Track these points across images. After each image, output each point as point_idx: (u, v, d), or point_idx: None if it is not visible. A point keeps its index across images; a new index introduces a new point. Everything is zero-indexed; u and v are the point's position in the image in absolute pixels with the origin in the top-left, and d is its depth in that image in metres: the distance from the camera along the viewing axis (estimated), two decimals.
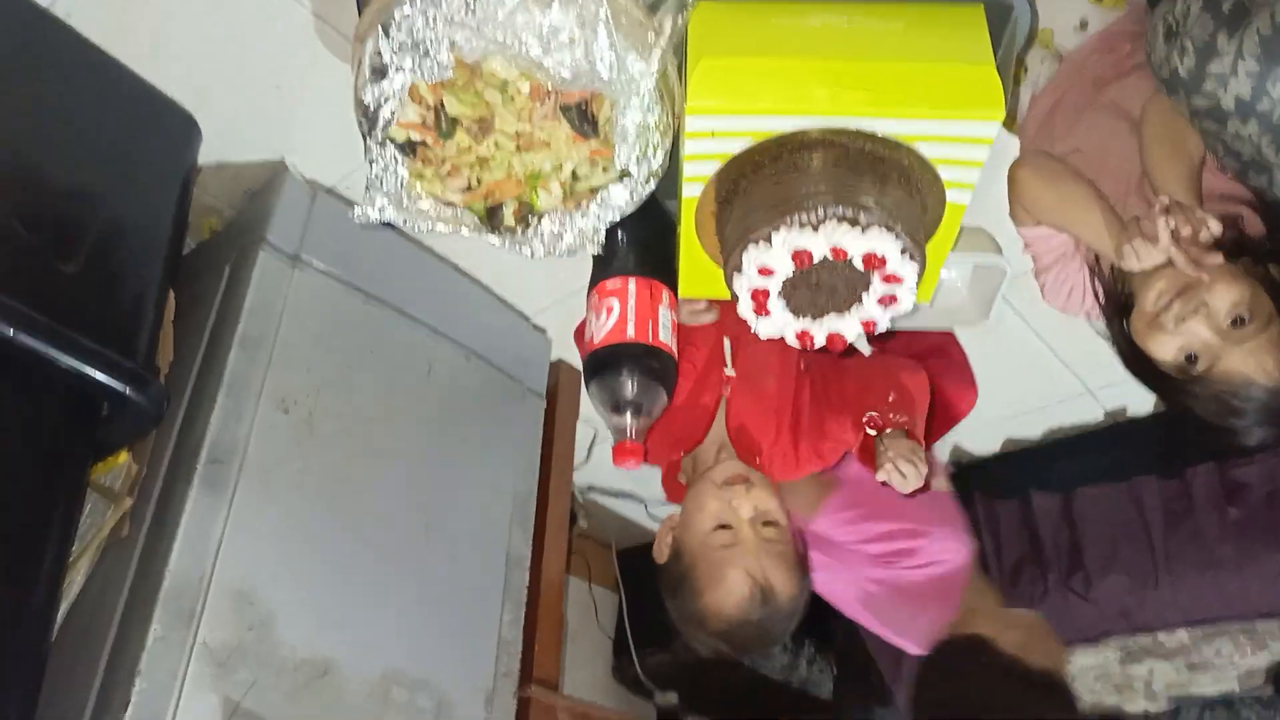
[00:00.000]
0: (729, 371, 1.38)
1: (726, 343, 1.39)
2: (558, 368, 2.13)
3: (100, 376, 1.30)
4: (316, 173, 1.76)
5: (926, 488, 1.24)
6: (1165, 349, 1.14)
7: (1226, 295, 1.10)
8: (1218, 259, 1.08)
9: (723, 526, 1.25)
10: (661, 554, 1.32)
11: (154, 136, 1.54)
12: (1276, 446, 1.17)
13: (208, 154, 1.67)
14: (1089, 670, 2.31)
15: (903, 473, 1.19)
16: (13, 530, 1.20)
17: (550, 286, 2.02)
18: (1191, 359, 1.13)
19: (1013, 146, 1.53)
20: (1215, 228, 1.07)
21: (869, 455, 1.26)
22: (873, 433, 1.25)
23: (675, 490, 1.42)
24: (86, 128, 1.46)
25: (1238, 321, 1.10)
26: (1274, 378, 1.09)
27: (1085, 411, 2.35)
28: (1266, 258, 1.12)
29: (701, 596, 1.22)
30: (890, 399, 1.27)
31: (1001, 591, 2.13)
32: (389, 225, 1.25)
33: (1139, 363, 1.19)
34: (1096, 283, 1.27)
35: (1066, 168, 1.26)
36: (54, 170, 1.38)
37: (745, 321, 1.22)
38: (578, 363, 2.15)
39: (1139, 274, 1.15)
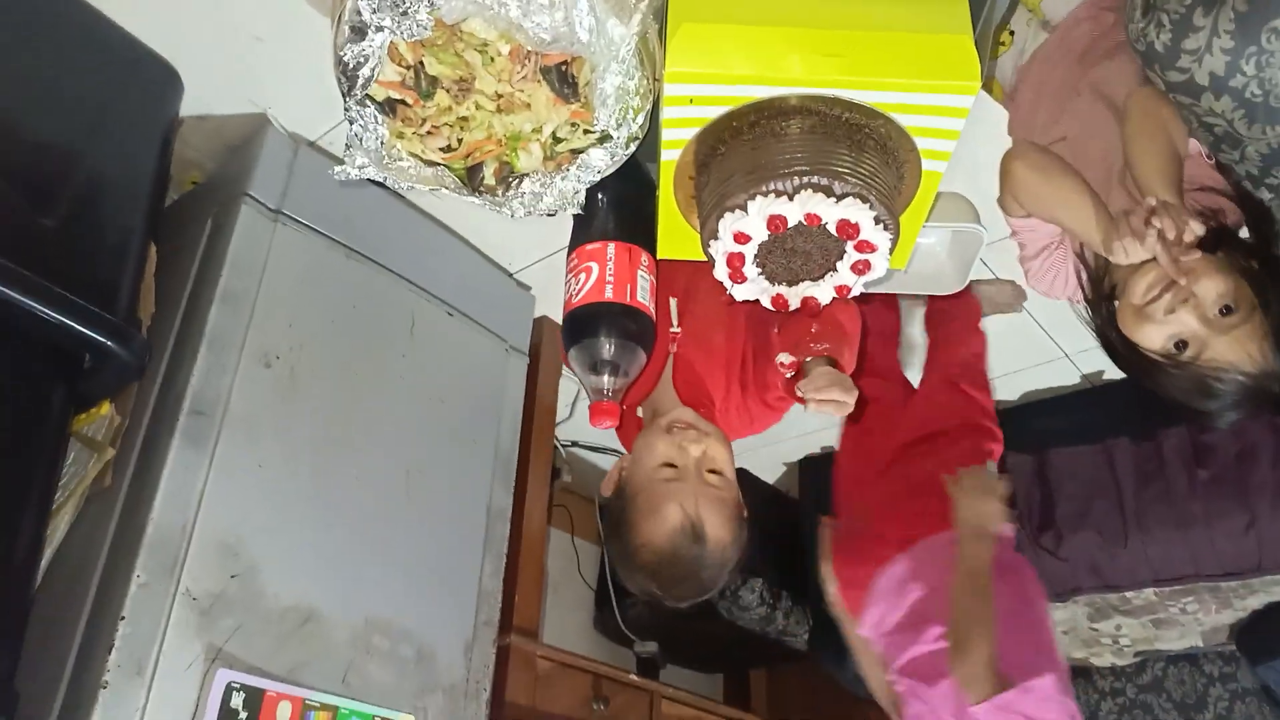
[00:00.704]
0: (674, 329, 1.40)
1: (673, 302, 1.41)
2: (541, 324, 2.15)
3: (81, 329, 1.31)
4: (299, 127, 1.76)
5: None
6: (1154, 338, 1.19)
7: (1213, 286, 1.14)
8: (1196, 254, 1.12)
9: (668, 465, 1.27)
10: (608, 488, 1.34)
11: (135, 87, 1.53)
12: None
13: (189, 106, 1.66)
14: (1058, 626, 2.37)
15: (826, 402, 1.19)
16: (6, 478, 1.21)
17: (534, 243, 2.02)
18: (1180, 346, 1.17)
19: (997, 113, 1.54)
20: (1198, 229, 1.11)
21: (791, 392, 1.26)
22: (790, 372, 1.25)
23: (629, 441, 1.44)
24: (65, 78, 1.45)
25: (1224, 311, 1.14)
26: (1257, 363, 1.14)
27: (1062, 375, 2.38)
28: (1245, 250, 1.16)
29: (636, 527, 1.24)
30: (813, 330, 1.26)
31: None
32: (372, 181, 1.26)
33: (1121, 348, 1.23)
34: (1083, 273, 1.29)
35: (1059, 161, 1.28)
36: (32, 122, 1.38)
37: (693, 281, 1.22)
38: (561, 318, 2.17)
39: (1126, 266, 1.18)
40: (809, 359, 1.27)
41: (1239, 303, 1.15)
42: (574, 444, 2.71)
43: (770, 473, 2.97)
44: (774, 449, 2.82)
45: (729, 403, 1.39)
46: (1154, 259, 1.13)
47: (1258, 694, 2.39)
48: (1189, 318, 1.16)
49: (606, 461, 2.83)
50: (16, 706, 1.18)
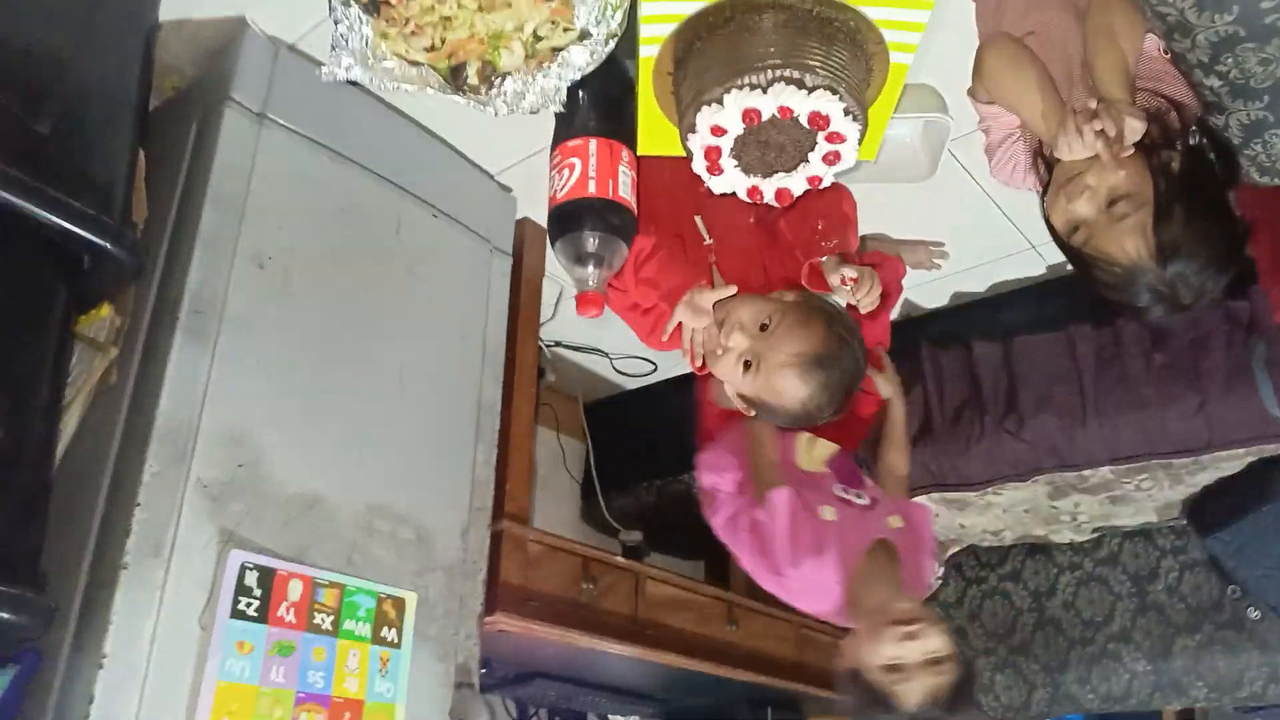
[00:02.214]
0: (708, 241, 1.51)
1: (698, 220, 1.52)
2: (523, 225, 2.19)
3: (80, 231, 1.35)
4: (278, 29, 1.76)
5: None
6: (1057, 219, 1.29)
7: (1109, 178, 1.21)
8: (1131, 151, 1.19)
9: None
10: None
11: None
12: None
13: (166, 11, 1.67)
14: (1019, 504, 2.51)
15: (858, 296, 1.43)
16: (12, 373, 1.27)
17: (515, 145, 2.05)
18: (1075, 231, 1.26)
19: (964, 5, 1.57)
20: (1138, 127, 1.17)
21: (820, 282, 1.47)
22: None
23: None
24: None
25: (1114, 203, 1.21)
26: (1129, 258, 1.21)
27: (1029, 265, 2.46)
28: (1169, 149, 1.23)
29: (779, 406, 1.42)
30: (819, 227, 1.41)
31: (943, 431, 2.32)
32: (354, 83, 1.29)
33: (1053, 233, 1.32)
34: (1039, 161, 1.36)
35: (1028, 54, 1.31)
36: (20, 31, 1.39)
37: (706, 194, 1.32)
38: (544, 220, 2.21)
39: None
40: (824, 259, 1.46)
41: (1134, 198, 1.21)
42: (557, 344, 2.78)
43: None
44: None
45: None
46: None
47: (1205, 564, 2.55)
48: (1083, 205, 1.23)
49: (588, 360, 2.91)
50: (46, 584, 1.26)
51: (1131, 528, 2.68)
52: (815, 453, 1.67)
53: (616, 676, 2.47)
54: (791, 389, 1.37)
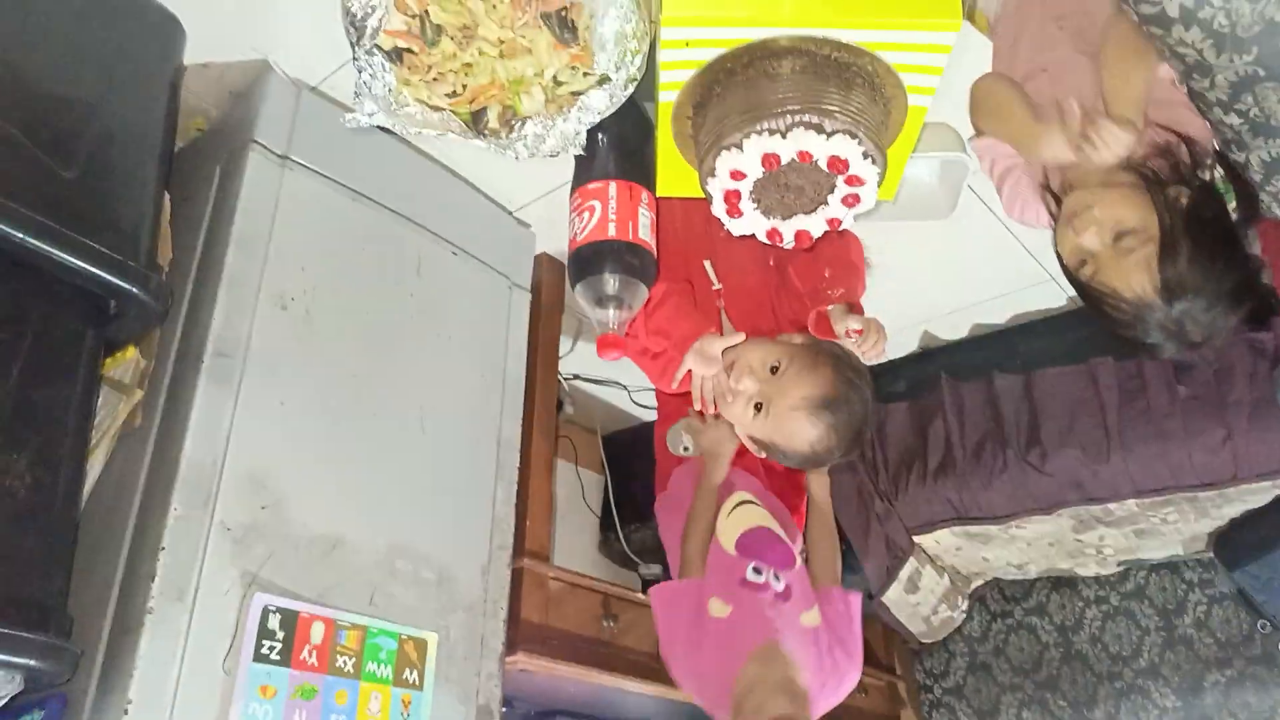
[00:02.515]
0: (716, 286, 1.53)
1: (708, 264, 1.54)
2: (542, 261, 2.20)
3: (107, 276, 1.37)
4: (300, 72, 1.79)
5: None
6: (1066, 250, 1.28)
7: (1114, 212, 1.20)
8: (1126, 177, 1.19)
9: (755, 406, 1.43)
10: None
11: (140, 38, 1.57)
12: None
13: (191, 54, 1.69)
14: (1044, 537, 2.48)
15: (864, 349, 1.44)
16: (40, 417, 1.29)
17: (533, 182, 2.07)
18: (1083, 264, 1.25)
19: (983, 44, 1.58)
20: (1121, 137, 1.17)
21: (825, 330, 1.49)
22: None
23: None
24: (73, 32, 1.48)
25: (1120, 237, 1.20)
26: (1134, 294, 1.20)
27: (1049, 297, 2.45)
28: (1179, 185, 1.21)
29: (790, 448, 1.43)
30: (826, 275, 1.46)
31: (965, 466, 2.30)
32: (377, 126, 1.31)
33: (1063, 267, 1.31)
34: (1047, 195, 1.35)
35: (1007, 78, 1.33)
36: (45, 77, 1.42)
37: (716, 238, 1.32)
38: (562, 256, 2.23)
39: (1070, 186, 1.26)
40: (831, 308, 1.48)
41: (1140, 233, 1.19)
42: (576, 377, 2.79)
43: None
44: None
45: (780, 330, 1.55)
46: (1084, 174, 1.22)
47: (1234, 597, 2.52)
48: (1090, 237, 1.22)
49: (607, 393, 2.91)
50: (72, 628, 1.26)
51: (1157, 561, 2.64)
52: (730, 525, 1.56)
53: (637, 714, 2.45)
54: (802, 431, 1.38)
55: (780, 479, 1.67)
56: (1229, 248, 1.21)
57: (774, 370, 1.41)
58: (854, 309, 1.49)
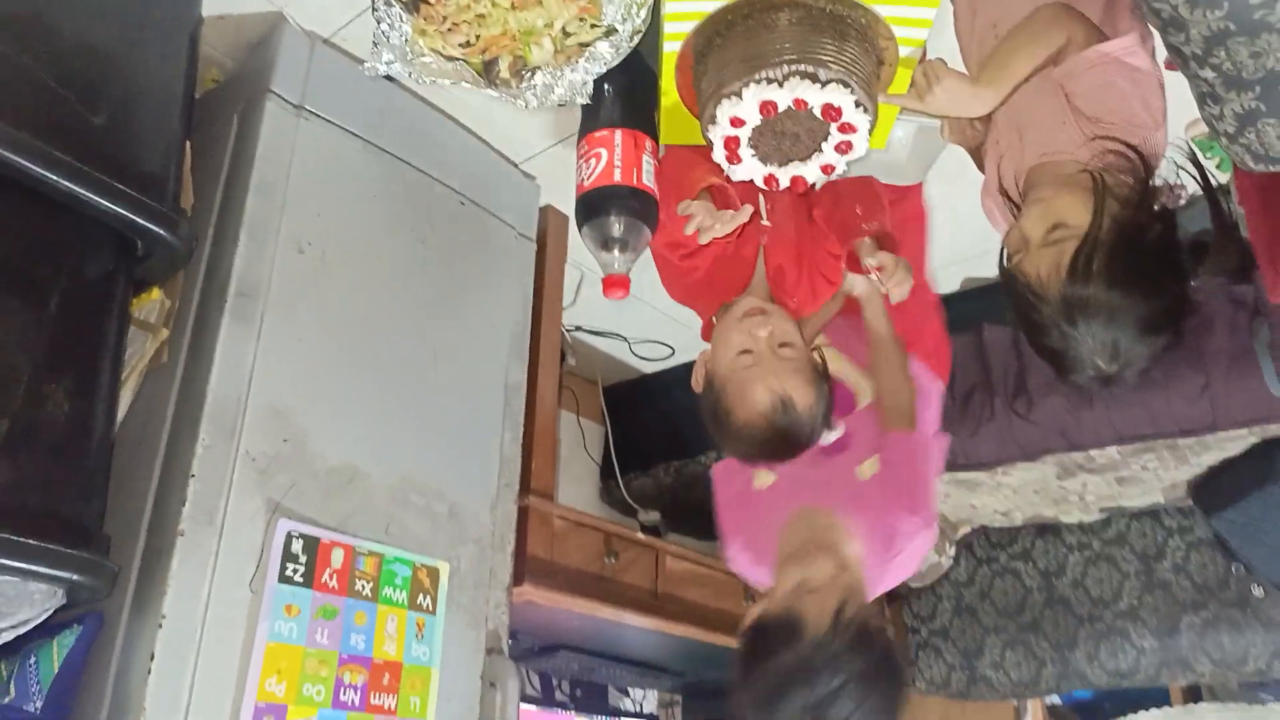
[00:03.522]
0: (765, 222, 1.53)
1: (762, 199, 1.53)
2: (546, 212, 2.27)
3: (137, 219, 1.44)
4: (313, 24, 1.84)
5: None
6: (1007, 239, 1.25)
7: (1056, 207, 1.16)
8: (1085, 182, 1.16)
9: (744, 352, 1.39)
10: (698, 383, 1.47)
11: None
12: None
13: (208, 7, 1.75)
14: (1029, 484, 2.58)
15: (888, 285, 1.43)
16: (76, 350, 1.36)
17: (538, 136, 2.12)
18: (1017, 252, 1.21)
19: None
20: (951, 87, 1.20)
21: (857, 265, 1.48)
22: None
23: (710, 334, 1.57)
24: None
25: (1053, 228, 1.15)
26: (1036, 283, 1.15)
27: None
28: (1121, 197, 1.15)
29: (733, 413, 1.37)
30: (858, 211, 1.47)
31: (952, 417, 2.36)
32: (388, 78, 1.37)
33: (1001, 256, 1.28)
34: (1002, 198, 1.33)
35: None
36: (74, 29, 1.47)
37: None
38: (565, 207, 2.29)
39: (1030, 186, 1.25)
40: (860, 241, 1.48)
41: (1073, 230, 1.13)
42: (577, 328, 2.86)
43: None
44: None
45: (800, 284, 1.53)
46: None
47: (1211, 543, 2.61)
48: (1031, 223, 1.18)
49: (608, 344, 2.99)
50: (109, 548, 1.35)
51: (1139, 508, 2.74)
52: None
53: (637, 649, 2.56)
54: (756, 407, 1.36)
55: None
56: (1157, 275, 1.13)
57: (783, 345, 1.41)
58: (883, 244, 1.49)
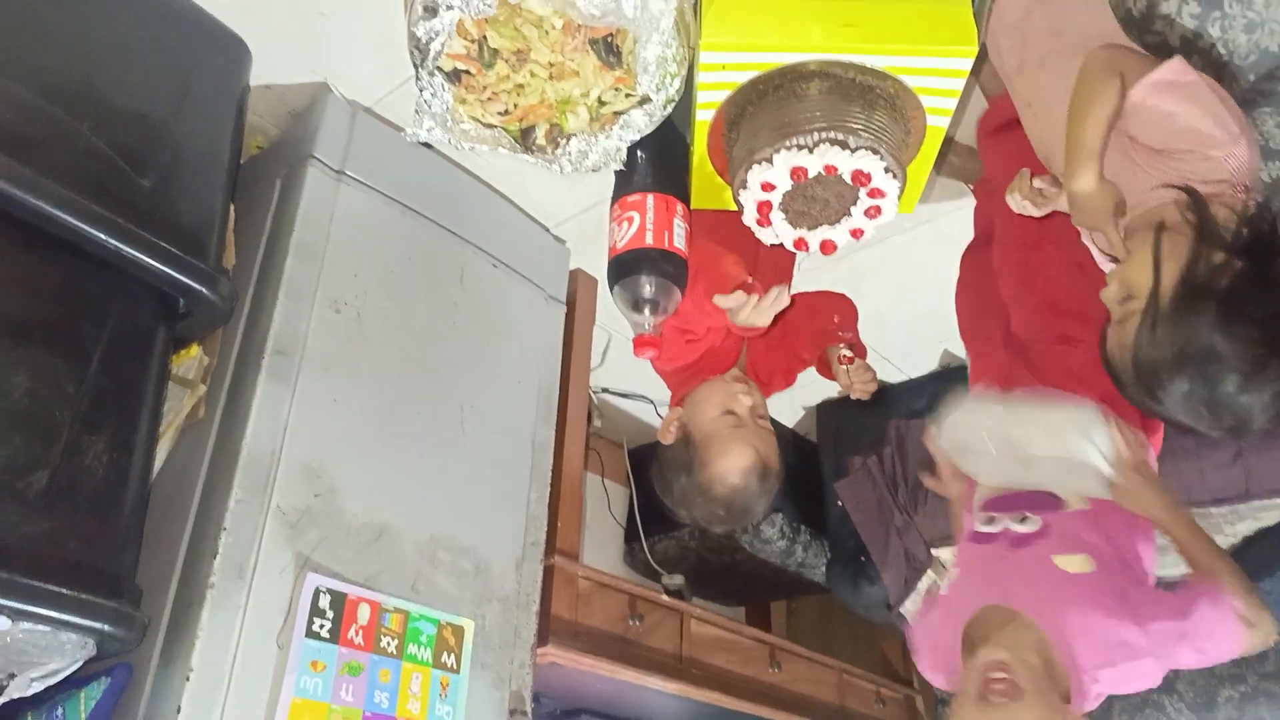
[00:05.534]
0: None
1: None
2: (576, 275, 2.30)
3: (180, 277, 1.48)
4: (355, 93, 1.90)
5: None
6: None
7: (1127, 271, 1.10)
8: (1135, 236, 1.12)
9: (729, 413, 1.50)
10: (668, 436, 1.53)
11: (210, 59, 1.69)
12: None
13: (255, 77, 1.82)
14: None
15: (867, 389, 1.57)
16: (117, 405, 1.39)
17: (569, 201, 2.17)
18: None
19: None
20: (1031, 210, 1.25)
21: (826, 369, 1.64)
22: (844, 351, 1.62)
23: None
24: (150, 54, 1.61)
25: (1125, 300, 1.09)
26: (1115, 358, 1.10)
27: None
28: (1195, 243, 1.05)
29: (709, 467, 1.45)
30: (835, 320, 1.62)
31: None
32: (425, 145, 1.42)
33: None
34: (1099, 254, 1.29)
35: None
36: (125, 95, 1.53)
37: (760, 261, 1.42)
38: (594, 271, 2.33)
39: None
40: (830, 346, 1.64)
41: (1138, 296, 1.06)
42: (604, 390, 2.88)
43: (789, 417, 3.14)
44: (792, 395, 2.96)
45: (774, 378, 1.68)
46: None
47: None
48: (1108, 293, 1.12)
49: (634, 407, 3.00)
50: (141, 599, 1.36)
51: (1173, 578, 2.68)
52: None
53: (660, 714, 2.52)
54: (737, 462, 1.45)
55: None
56: (1240, 318, 1.00)
57: (761, 418, 1.53)
58: (855, 350, 1.63)
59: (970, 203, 1.98)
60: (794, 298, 1.47)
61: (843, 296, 1.72)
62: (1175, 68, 1.08)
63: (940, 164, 2.02)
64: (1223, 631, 1.19)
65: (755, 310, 1.35)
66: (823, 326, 1.65)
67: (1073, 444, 1.25)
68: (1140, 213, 1.13)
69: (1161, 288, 1.04)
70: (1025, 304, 1.54)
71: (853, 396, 1.61)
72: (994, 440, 1.31)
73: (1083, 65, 1.15)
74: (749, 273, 1.44)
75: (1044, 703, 1.16)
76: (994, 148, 1.61)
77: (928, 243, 2.28)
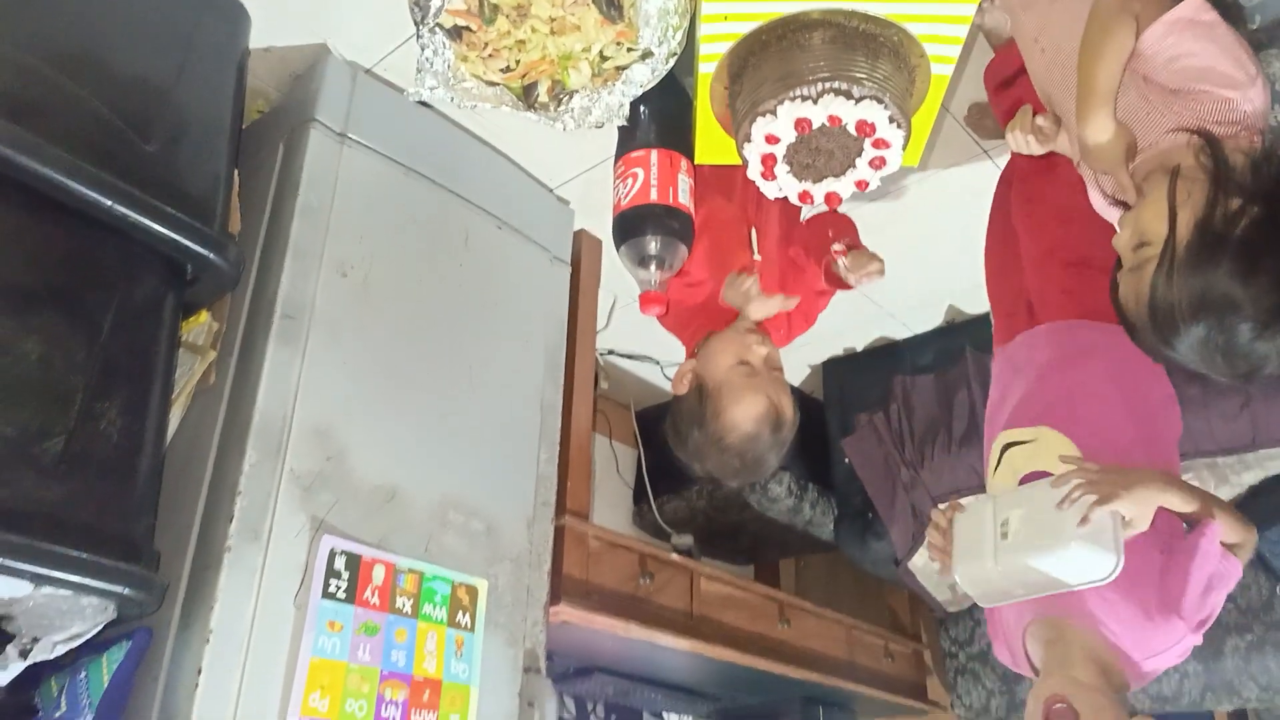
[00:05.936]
0: (756, 257, 1.61)
1: (753, 232, 1.62)
2: (580, 236, 2.30)
3: (188, 243, 1.49)
4: (356, 55, 1.89)
5: None
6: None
7: (1140, 216, 1.09)
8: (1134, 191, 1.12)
9: (743, 363, 1.49)
10: (681, 386, 1.53)
11: (211, 24, 1.68)
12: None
13: (254, 40, 1.80)
14: None
15: (870, 274, 1.51)
16: (129, 371, 1.40)
17: (572, 160, 2.16)
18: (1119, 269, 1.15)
19: None
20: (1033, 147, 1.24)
21: (835, 279, 1.58)
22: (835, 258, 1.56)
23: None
24: (151, 19, 1.60)
25: (1140, 246, 1.09)
26: (1129, 308, 1.09)
27: None
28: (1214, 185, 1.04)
29: (722, 415, 1.45)
30: (830, 234, 1.59)
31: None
32: (425, 105, 1.41)
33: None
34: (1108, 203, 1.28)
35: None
36: (127, 61, 1.53)
37: (762, 210, 1.41)
38: (598, 231, 2.32)
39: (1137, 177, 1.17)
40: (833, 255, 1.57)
41: (1153, 243, 1.05)
42: (611, 352, 2.89)
43: (796, 376, 3.14)
44: (799, 353, 2.98)
45: (780, 318, 1.64)
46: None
47: (1255, 564, 2.57)
48: (1120, 240, 1.11)
49: (641, 369, 3.01)
50: (159, 563, 1.38)
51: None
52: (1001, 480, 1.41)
53: (672, 672, 2.55)
54: (751, 410, 1.44)
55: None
56: (1262, 263, 0.99)
57: (778, 370, 1.53)
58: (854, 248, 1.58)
59: (975, 156, 1.97)
60: (798, 226, 1.51)
61: (834, 213, 1.60)
62: (1195, 5, 1.06)
63: (977, 127, 2.01)
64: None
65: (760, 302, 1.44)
66: (819, 241, 1.62)
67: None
68: (1152, 154, 1.12)
69: (1178, 235, 1.03)
70: (1032, 255, 1.55)
71: (856, 284, 1.52)
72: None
73: (1095, 3, 1.13)
74: (753, 222, 1.45)
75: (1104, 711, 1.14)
76: (1005, 99, 1.60)
77: (933, 197, 2.27)
